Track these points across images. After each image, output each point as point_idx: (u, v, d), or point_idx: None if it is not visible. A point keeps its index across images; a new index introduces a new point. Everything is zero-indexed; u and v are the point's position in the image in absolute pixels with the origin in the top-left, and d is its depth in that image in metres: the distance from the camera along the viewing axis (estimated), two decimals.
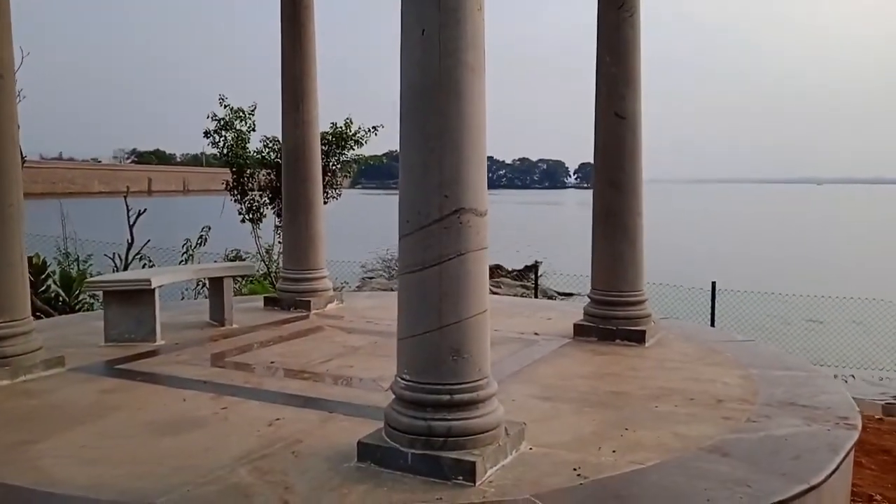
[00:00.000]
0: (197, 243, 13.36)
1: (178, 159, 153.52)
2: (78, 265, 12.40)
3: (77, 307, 11.86)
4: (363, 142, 14.18)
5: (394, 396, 3.62)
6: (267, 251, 14.41)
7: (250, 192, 13.80)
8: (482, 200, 3.48)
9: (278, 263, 13.94)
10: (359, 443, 3.56)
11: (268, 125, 14.15)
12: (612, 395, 4.76)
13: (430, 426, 3.38)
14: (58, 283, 12.14)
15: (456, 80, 3.35)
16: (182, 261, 13.13)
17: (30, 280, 10.15)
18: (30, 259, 11.28)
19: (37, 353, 5.14)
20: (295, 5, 7.70)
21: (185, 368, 5.41)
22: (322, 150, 13.78)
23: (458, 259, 3.39)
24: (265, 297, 8.16)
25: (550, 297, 16.99)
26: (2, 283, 4.93)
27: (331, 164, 14.01)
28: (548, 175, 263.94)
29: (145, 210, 13.75)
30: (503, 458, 3.53)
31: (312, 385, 5.00)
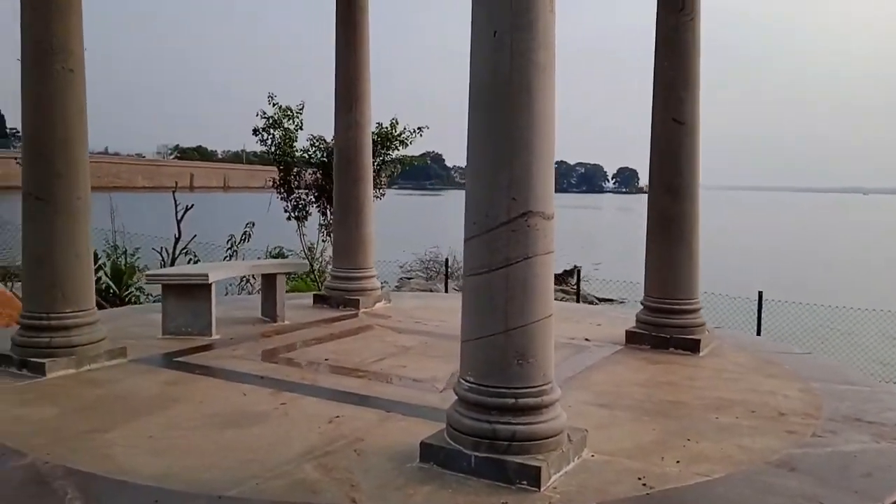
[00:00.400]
0: (241, 239, 13.53)
1: (220, 156, 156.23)
2: (125, 258, 12.67)
3: (126, 299, 12.16)
4: (408, 142, 14.24)
5: (455, 398, 3.62)
6: (310, 249, 14.55)
7: (297, 191, 13.98)
8: (550, 203, 3.46)
9: (321, 261, 14.11)
10: (421, 443, 3.57)
11: (314, 124, 14.30)
12: (669, 404, 4.69)
13: (495, 429, 3.38)
14: (108, 275, 12.46)
15: (527, 80, 3.34)
16: (226, 256, 13.33)
17: None
18: None
19: (101, 343, 5.26)
20: (350, 8, 7.77)
21: (242, 363, 5.49)
22: None
23: (525, 262, 3.38)
24: (314, 295, 8.24)
25: (591, 303, 16.85)
26: (70, 274, 5.06)
27: (374, 164, 14.07)
28: (585, 179, 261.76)
29: (192, 206, 13.99)
30: (566, 464, 3.50)
31: (367, 383, 5.03)
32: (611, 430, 4.13)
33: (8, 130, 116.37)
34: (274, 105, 13.62)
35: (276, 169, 14.14)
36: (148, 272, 6.34)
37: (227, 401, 4.53)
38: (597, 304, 17.09)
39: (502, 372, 3.42)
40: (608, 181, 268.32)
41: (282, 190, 14.00)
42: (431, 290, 15.05)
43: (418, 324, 7.18)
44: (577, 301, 15.47)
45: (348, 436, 3.92)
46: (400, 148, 14.28)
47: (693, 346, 6.11)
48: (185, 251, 13.08)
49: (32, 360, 4.93)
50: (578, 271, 20.18)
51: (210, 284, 6.29)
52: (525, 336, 3.41)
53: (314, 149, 13.93)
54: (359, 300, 7.83)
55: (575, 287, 18.38)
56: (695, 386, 5.14)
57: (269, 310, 7.13)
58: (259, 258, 12.88)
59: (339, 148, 8.03)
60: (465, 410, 3.50)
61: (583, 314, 8.19)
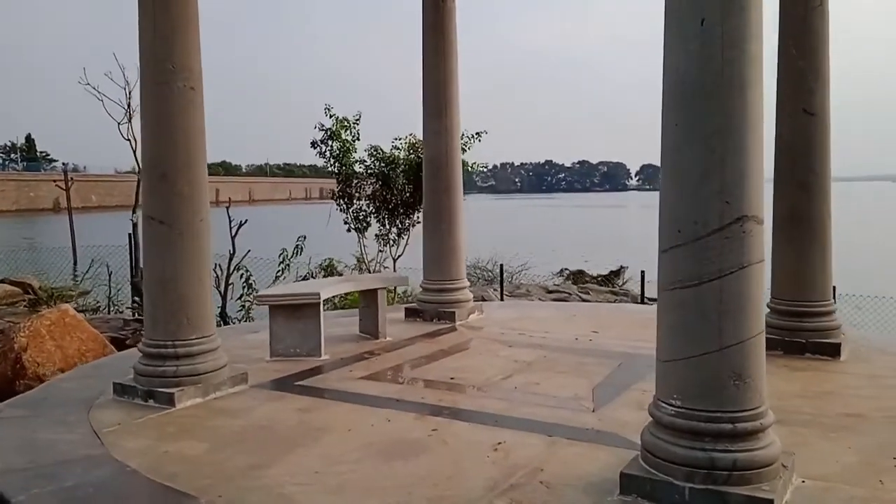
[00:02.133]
0: (293, 253, 13.28)
1: (244, 170, 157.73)
2: (136, 270, 12.45)
3: None
4: (466, 148, 13.98)
5: (651, 421, 3.34)
6: (358, 260, 14.35)
7: (357, 202, 13.80)
8: (762, 206, 3.16)
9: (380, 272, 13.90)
10: (622, 474, 3.28)
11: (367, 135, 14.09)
12: (847, 417, 4.34)
13: (713, 458, 3.07)
14: None
15: (739, 73, 3.04)
16: (279, 271, 13.09)
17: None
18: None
19: (223, 370, 5.05)
20: (438, 13, 7.54)
21: (367, 385, 5.24)
22: (418, 158, 13.80)
23: (741, 272, 3.07)
24: (406, 308, 7.99)
25: (642, 304, 16.20)
26: (195, 298, 4.85)
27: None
28: (608, 178, 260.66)
29: (246, 221, 13.82)
30: (784, 493, 3.19)
31: (510, 405, 4.73)
32: (803, 450, 3.76)
33: (38, 153, 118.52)
34: (331, 117, 13.47)
35: (333, 181, 14.01)
36: (258, 294, 6.12)
37: (375, 428, 4.27)
38: (650, 304, 16.54)
39: (717, 394, 3.11)
40: (632, 178, 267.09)
41: (341, 202, 13.84)
42: (483, 299, 14.73)
43: (523, 336, 6.88)
44: (642, 303, 14.93)
45: (524, 465, 3.63)
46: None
47: (832, 351, 5.76)
48: (237, 267, 12.87)
49: (159, 390, 4.72)
50: (622, 271, 19.69)
51: (319, 303, 6.06)
52: (741, 354, 3.10)
53: (372, 159, 13.77)
54: (454, 312, 7.56)
55: (623, 288, 17.93)
56: (861, 395, 4.78)
57: (370, 326, 6.88)
58: (309, 272, 12.75)
59: (429, 156, 7.79)
60: (671, 437, 3.20)
61: None
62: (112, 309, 13.87)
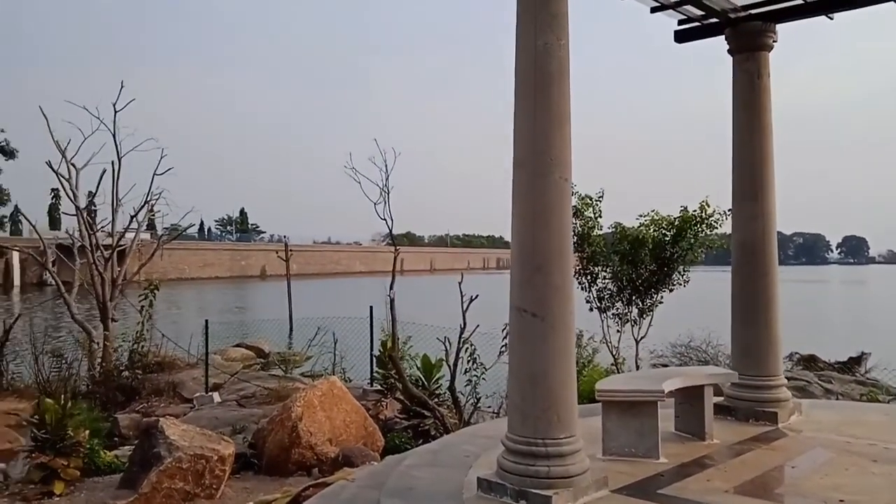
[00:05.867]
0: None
1: (426, 241, 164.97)
2: (395, 344, 12.50)
3: (437, 392, 12.06)
4: (717, 225, 13.23)
5: None
6: (587, 339, 13.72)
7: (601, 281, 13.45)
8: None
9: (623, 358, 13.26)
10: None
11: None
12: None
13: None
14: (420, 367, 12.57)
15: None
16: (502, 347, 12.77)
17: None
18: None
19: (588, 472, 4.75)
20: (753, 91, 7.13)
21: (745, 501, 4.69)
22: (670, 234, 13.22)
23: None
24: (713, 405, 7.32)
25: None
26: (563, 395, 4.63)
27: (678, 249, 13.23)
28: (805, 250, 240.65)
29: (477, 296, 13.82)
30: None
31: None
32: None
33: (249, 226, 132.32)
34: (574, 194, 13.38)
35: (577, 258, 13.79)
36: (600, 388, 5.83)
37: None
38: None
39: None
40: (832, 251, 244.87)
41: (583, 280, 13.54)
42: None
43: (875, 447, 5.94)
44: None
45: None
46: (706, 230, 13.31)
47: None
48: (465, 342, 12.75)
49: (532, 490, 4.51)
50: (864, 358, 17.41)
51: (657, 401, 5.65)
52: None
53: (617, 236, 13.43)
54: (776, 413, 6.80)
55: (870, 378, 15.76)
56: None
57: (693, 425, 6.33)
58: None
59: (740, 240, 7.26)
60: None
61: None
62: (337, 376, 14.41)
